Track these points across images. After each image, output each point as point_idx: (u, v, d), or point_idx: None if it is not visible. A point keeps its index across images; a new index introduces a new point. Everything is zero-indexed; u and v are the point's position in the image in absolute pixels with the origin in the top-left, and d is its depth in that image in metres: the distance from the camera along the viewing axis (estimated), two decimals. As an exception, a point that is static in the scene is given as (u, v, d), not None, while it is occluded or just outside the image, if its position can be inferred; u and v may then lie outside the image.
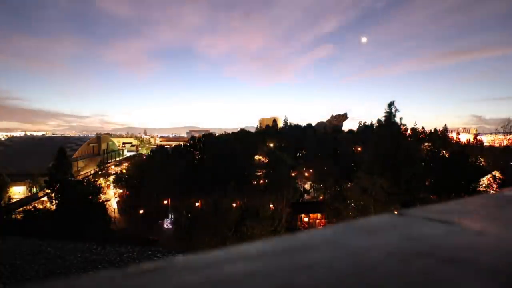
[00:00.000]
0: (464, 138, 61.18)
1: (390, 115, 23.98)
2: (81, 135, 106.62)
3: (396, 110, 23.97)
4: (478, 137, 54.02)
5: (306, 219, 32.10)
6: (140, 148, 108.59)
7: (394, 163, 21.81)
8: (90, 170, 58.03)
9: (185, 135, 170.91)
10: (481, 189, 27.85)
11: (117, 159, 79.36)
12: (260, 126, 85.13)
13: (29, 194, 41.89)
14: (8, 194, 31.60)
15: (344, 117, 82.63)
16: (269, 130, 69.42)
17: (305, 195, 39.11)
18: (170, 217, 32.77)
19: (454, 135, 57.84)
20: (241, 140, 50.13)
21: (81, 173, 54.46)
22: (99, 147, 71.99)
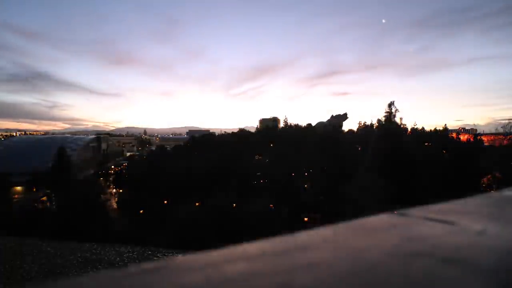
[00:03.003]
0: (464, 138, 61.14)
1: (390, 115, 24.02)
2: (81, 135, 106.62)
3: (396, 110, 24.04)
4: (478, 137, 54.03)
5: (306, 219, 32.08)
6: (140, 148, 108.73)
7: (394, 163, 21.84)
8: (90, 170, 58.01)
9: (185, 135, 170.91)
10: (481, 189, 27.86)
11: (117, 159, 79.40)
12: (260, 126, 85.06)
13: (29, 194, 41.87)
14: (8, 194, 31.59)
15: (344, 117, 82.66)
16: (269, 130, 69.42)
17: (305, 195, 39.08)
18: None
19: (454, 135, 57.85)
20: (241, 140, 50.16)
21: (81, 173, 54.45)
22: (99, 147, 72.03)
